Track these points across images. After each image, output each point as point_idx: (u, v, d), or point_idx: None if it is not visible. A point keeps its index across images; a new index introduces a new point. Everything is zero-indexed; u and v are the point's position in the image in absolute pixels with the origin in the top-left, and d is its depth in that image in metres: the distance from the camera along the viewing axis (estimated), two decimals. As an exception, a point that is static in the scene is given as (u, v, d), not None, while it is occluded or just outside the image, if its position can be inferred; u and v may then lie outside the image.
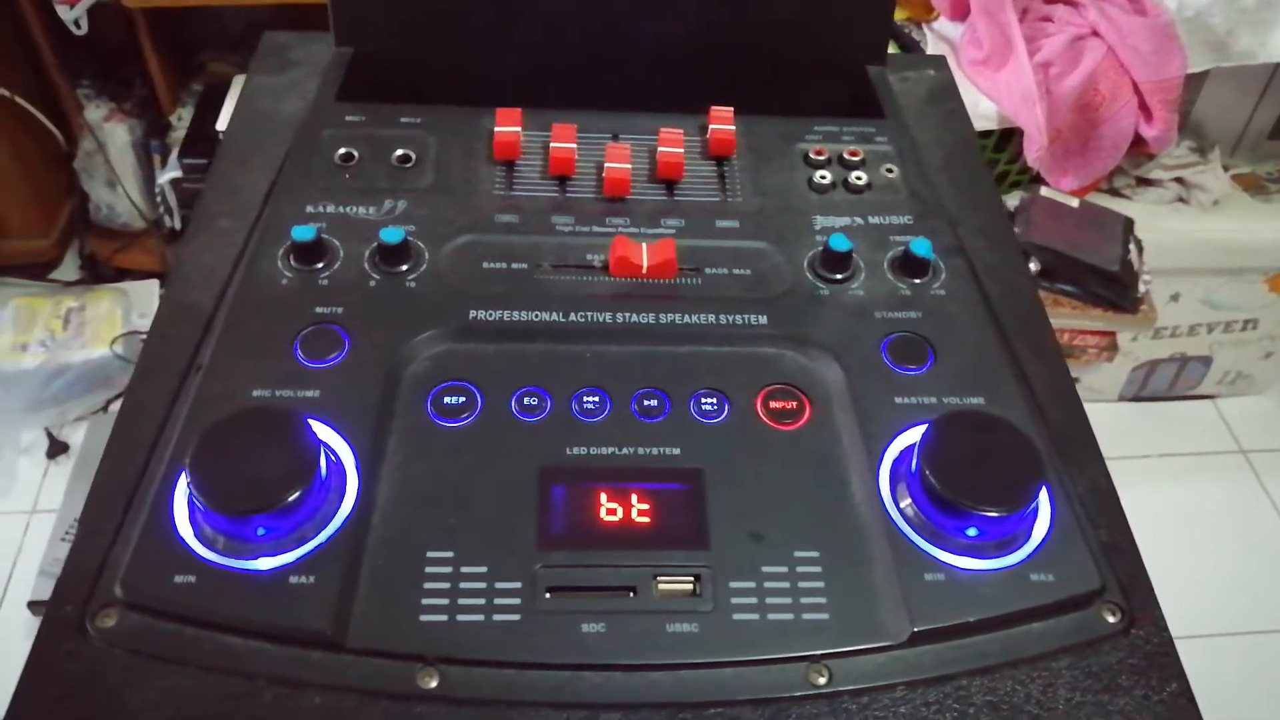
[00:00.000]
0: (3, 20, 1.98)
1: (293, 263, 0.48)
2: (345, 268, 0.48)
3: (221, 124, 1.87)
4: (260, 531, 0.39)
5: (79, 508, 1.30)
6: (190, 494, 0.40)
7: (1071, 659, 0.41)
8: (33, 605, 1.40)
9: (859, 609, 0.40)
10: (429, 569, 0.40)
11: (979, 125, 1.67)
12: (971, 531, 0.42)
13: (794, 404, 0.46)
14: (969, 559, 0.41)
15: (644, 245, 0.49)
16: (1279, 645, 1.79)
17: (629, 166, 0.52)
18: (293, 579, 0.39)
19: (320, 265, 0.48)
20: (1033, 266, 1.65)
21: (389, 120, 0.55)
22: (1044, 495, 0.43)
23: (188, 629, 0.38)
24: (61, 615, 0.39)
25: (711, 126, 0.55)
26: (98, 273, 2.23)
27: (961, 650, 0.40)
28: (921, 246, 0.50)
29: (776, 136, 0.56)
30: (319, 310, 0.47)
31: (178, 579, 0.38)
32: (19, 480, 1.92)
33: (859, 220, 0.53)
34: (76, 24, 1.86)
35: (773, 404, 0.46)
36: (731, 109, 0.55)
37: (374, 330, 0.46)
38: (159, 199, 2.03)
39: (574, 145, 0.53)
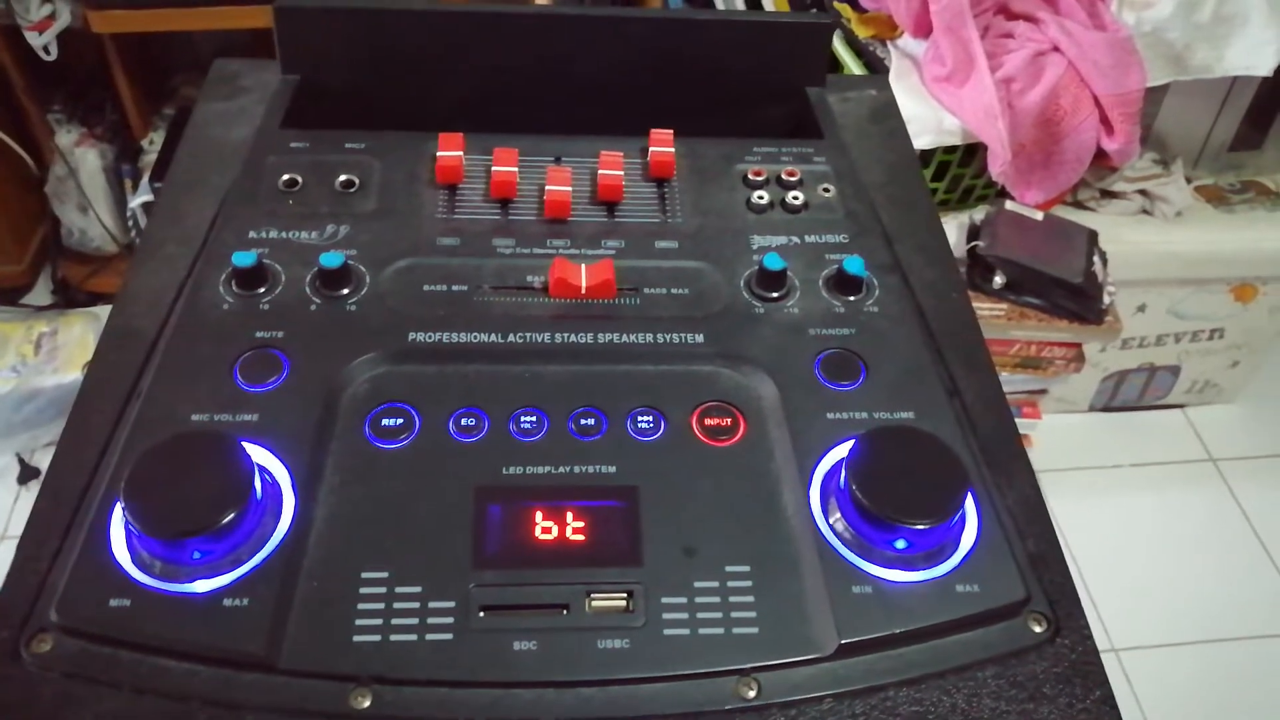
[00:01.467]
0: (-31, 44, 1.96)
1: (234, 288, 0.49)
2: (286, 292, 0.49)
3: (192, 147, 1.86)
4: (195, 555, 0.40)
5: None
6: (125, 518, 0.40)
7: (997, 669, 0.42)
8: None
9: (788, 622, 0.41)
10: (363, 589, 0.40)
11: (943, 141, 1.69)
12: (900, 544, 0.43)
13: (729, 420, 0.47)
14: (897, 571, 0.42)
15: (583, 266, 0.50)
16: (1249, 651, 1.80)
17: (570, 189, 0.53)
18: (227, 601, 0.39)
19: (261, 290, 0.49)
20: (998, 279, 1.67)
21: (333, 146, 0.56)
22: (971, 507, 0.44)
23: (123, 652, 0.39)
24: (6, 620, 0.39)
25: (652, 149, 0.56)
26: (70, 297, 2.23)
27: (888, 661, 0.41)
28: (854, 265, 0.51)
29: (716, 158, 0.57)
30: (259, 335, 0.47)
31: (113, 603, 0.39)
32: (-11, 505, 1.90)
33: (795, 239, 0.54)
34: (46, 50, 1.87)
35: (708, 420, 0.47)
36: (671, 131, 0.56)
37: (314, 353, 0.47)
38: (131, 223, 2.03)
39: (515, 169, 0.54)
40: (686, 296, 0.51)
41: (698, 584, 0.42)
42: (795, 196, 0.55)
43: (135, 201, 1.95)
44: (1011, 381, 1.75)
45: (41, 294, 2.24)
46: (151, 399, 0.45)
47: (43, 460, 1.94)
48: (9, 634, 0.39)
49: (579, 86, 0.59)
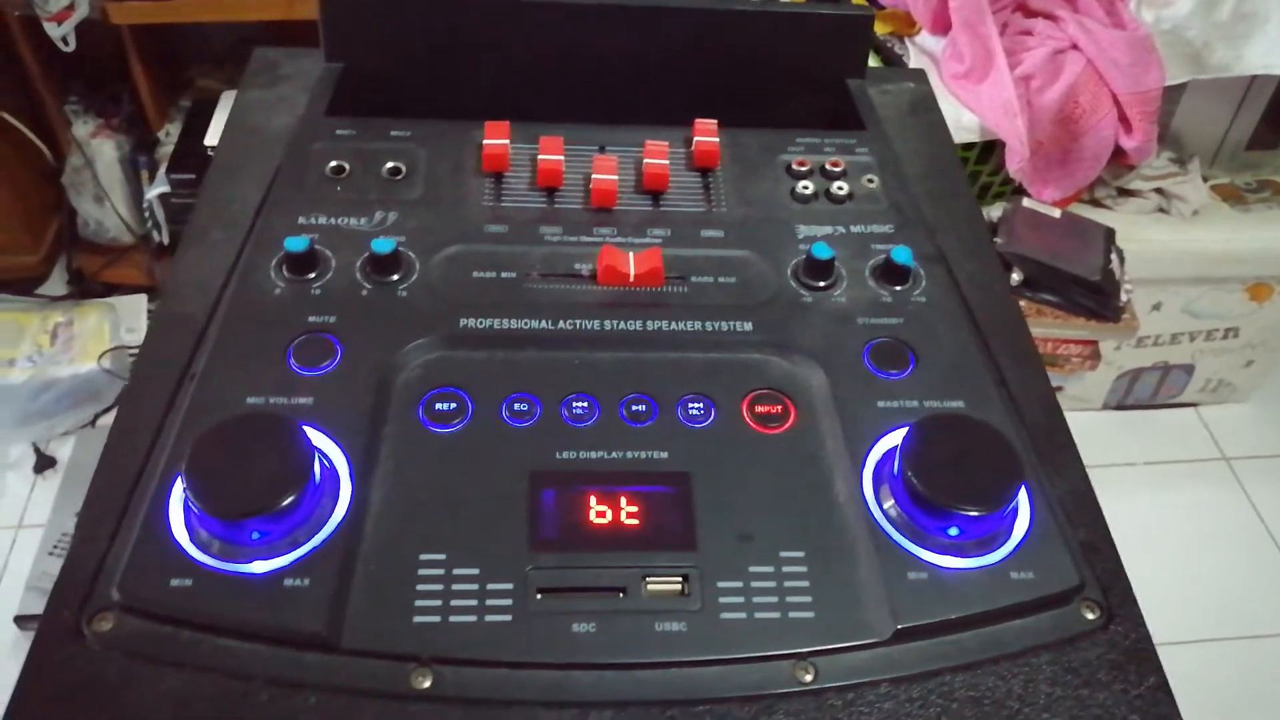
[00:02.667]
0: (-13, 34, 1.96)
1: (285, 273, 0.49)
2: (337, 278, 0.49)
3: (210, 139, 1.88)
4: (255, 535, 0.40)
5: (67, 522, 1.31)
6: (186, 499, 0.40)
7: (1052, 655, 0.42)
8: (20, 620, 1.39)
9: (844, 607, 0.41)
10: (422, 571, 0.41)
11: (961, 137, 1.68)
12: (953, 531, 0.43)
13: (779, 408, 0.47)
14: (951, 558, 0.42)
15: (630, 254, 0.50)
16: (1263, 650, 1.80)
17: (616, 178, 0.54)
18: (287, 582, 0.39)
19: (312, 275, 0.49)
20: (1015, 277, 1.67)
21: (379, 134, 0.56)
22: (1024, 496, 0.44)
23: (184, 632, 0.39)
24: (59, 620, 0.39)
25: (696, 139, 0.56)
26: (85, 288, 2.23)
27: (944, 647, 0.41)
28: (902, 254, 0.51)
29: (759, 148, 0.58)
30: (312, 319, 0.47)
31: (174, 582, 0.39)
32: (6, 495, 1.91)
33: (841, 229, 0.54)
34: (64, 40, 1.87)
35: (758, 408, 0.47)
36: (716, 121, 0.56)
37: (366, 338, 0.47)
38: (147, 214, 2.03)
39: (561, 157, 0.54)
40: (734, 285, 0.51)
41: (753, 569, 0.42)
42: (840, 187, 0.55)
43: (152, 193, 1.95)
44: (1027, 379, 1.75)
45: (57, 285, 2.24)
46: (206, 381, 0.45)
47: (59, 449, 1.95)
48: (70, 613, 0.39)
49: (620, 75, 0.59)
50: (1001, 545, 0.43)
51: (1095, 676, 0.41)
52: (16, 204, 2.09)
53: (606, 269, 0.50)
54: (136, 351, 2.07)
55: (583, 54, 0.59)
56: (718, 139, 0.56)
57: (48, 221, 2.22)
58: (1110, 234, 1.72)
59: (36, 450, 1.97)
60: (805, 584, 0.42)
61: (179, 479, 0.41)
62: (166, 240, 2.04)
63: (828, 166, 0.57)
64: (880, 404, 0.47)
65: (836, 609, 0.41)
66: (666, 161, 0.54)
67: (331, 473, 0.42)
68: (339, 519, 0.41)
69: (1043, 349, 1.72)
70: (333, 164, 0.54)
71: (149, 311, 2.15)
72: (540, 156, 0.54)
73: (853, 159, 0.57)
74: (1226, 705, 1.71)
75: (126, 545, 0.40)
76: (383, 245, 0.48)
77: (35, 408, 2.00)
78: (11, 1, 1.84)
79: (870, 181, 0.56)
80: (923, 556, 0.42)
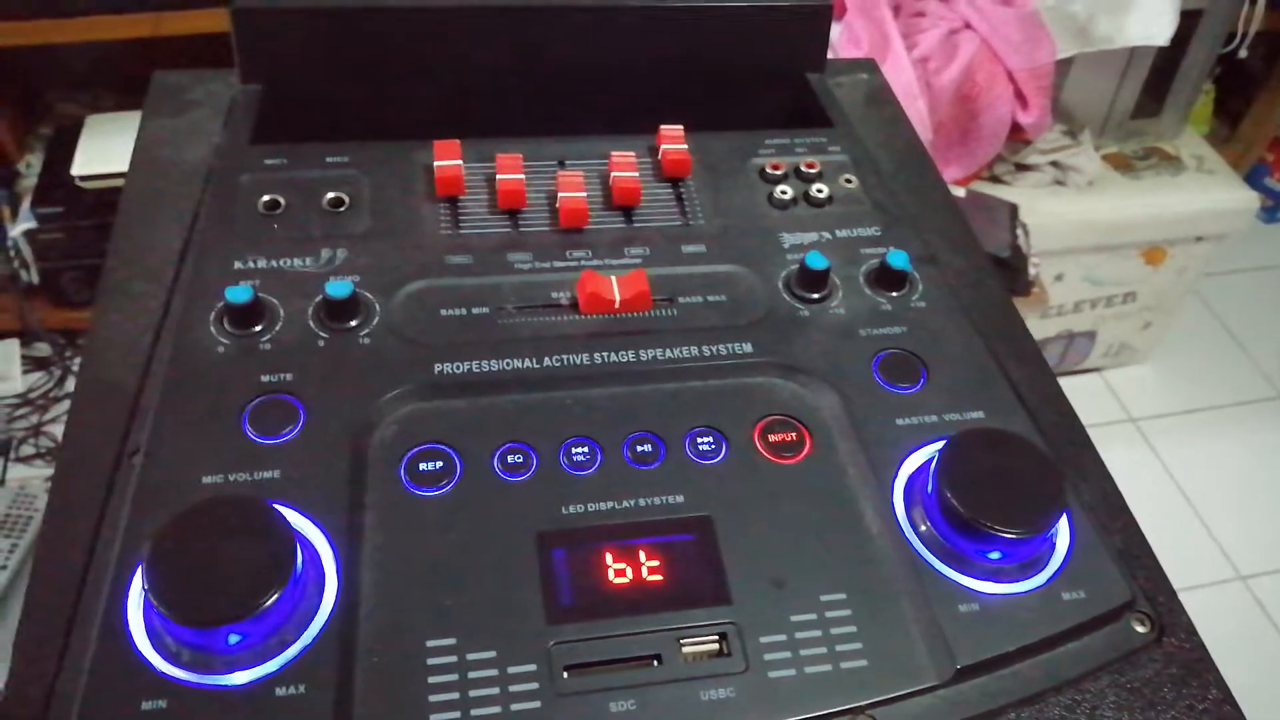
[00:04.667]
0: None
1: (227, 327, 0.43)
2: (288, 328, 0.43)
3: (78, 169, 1.76)
4: (233, 640, 0.34)
5: None
6: (149, 606, 0.34)
7: (1112, 677, 0.39)
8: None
9: (897, 650, 0.38)
10: (431, 660, 0.36)
11: (865, 123, 1.67)
12: (994, 555, 0.40)
13: (793, 435, 0.43)
14: (998, 584, 0.40)
15: (613, 278, 0.46)
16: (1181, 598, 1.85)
17: (584, 194, 0.49)
18: (279, 690, 0.34)
19: (259, 328, 0.43)
20: (928, 258, 1.67)
21: (313, 161, 0.50)
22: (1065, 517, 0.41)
23: (162, 762, 0.33)
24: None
25: (663, 147, 0.52)
26: (-49, 340, 2.06)
27: (1004, 681, 0.38)
28: (898, 258, 0.48)
29: (728, 152, 0.54)
30: (265, 379, 0.42)
31: (145, 705, 0.33)
32: None
33: (827, 235, 0.50)
34: None
35: (771, 437, 0.43)
36: (681, 128, 0.52)
37: (331, 395, 0.41)
38: (14, 252, 1.90)
39: (522, 176, 0.49)
40: (725, 303, 0.47)
41: (794, 618, 0.38)
42: (819, 189, 0.52)
43: (16, 230, 1.82)
44: (944, 358, 1.76)
45: (-85, 336, 2.06)
46: (153, 460, 0.39)
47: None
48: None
49: (572, 83, 0.55)
50: (1047, 565, 0.40)
51: (1159, 695, 0.39)
52: None
53: (590, 296, 0.45)
54: (11, 403, 1.93)
55: (531, 61, 0.55)
56: (686, 146, 0.52)
57: (-100, 265, 2.05)
58: (1014, 210, 1.74)
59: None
60: (852, 629, 0.38)
61: (135, 579, 0.35)
62: (36, 279, 1.91)
63: (802, 168, 0.53)
64: (899, 421, 0.44)
65: (890, 653, 0.38)
66: (636, 174, 0.50)
67: (313, 555, 0.37)
68: (329, 610, 0.36)
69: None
70: (265, 198, 0.48)
71: (22, 358, 2.01)
72: (499, 176, 0.49)
73: (826, 158, 0.54)
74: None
75: (82, 665, 0.34)
76: (338, 289, 0.43)
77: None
78: None
79: (849, 181, 0.53)
80: (970, 586, 0.39)
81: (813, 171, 0.53)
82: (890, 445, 0.43)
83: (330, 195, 0.49)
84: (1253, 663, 1.74)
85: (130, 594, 0.36)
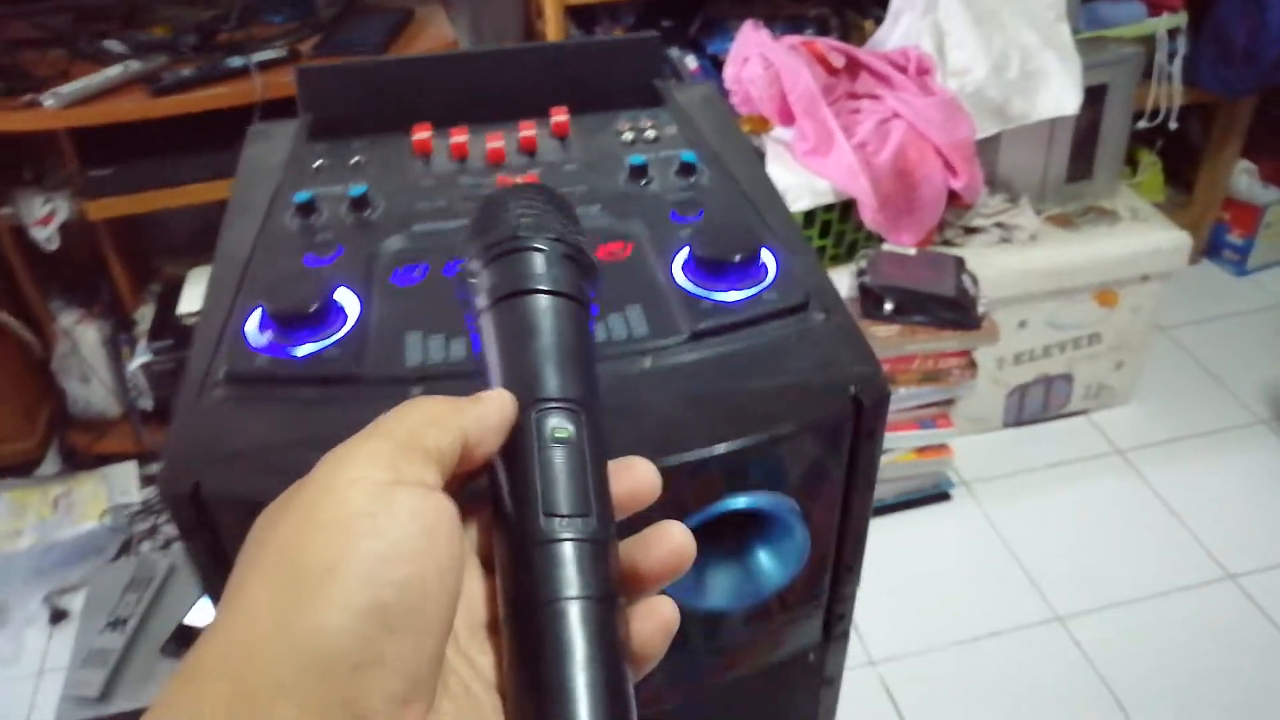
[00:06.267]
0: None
1: (296, 215, 0.77)
2: (331, 212, 0.77)
3: (183, 308, 2.15)
4: (303, 331, 0.66)
5: (83, 669, 1.58)
6: (263, 318, 0.66)
7: (796, 335, 0.68)
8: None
9: (669, 325, 0.67)
10: (406, 348, 0.67)
11: (819, 200, 2.02)
12: (724, 281, 0.70)
13: (621, 245, 0.74)
14: (727, 294, 0.69)
15: (516, 179, 0.79)
16: (1172, 603, 2.00)
17: (503, 144, 0.83)
18: (325, 354, 0.65)
19: (313, 216, 0.77)
20: (887, 306, 1.97)
21: (345, 144, 0.85)
22: (771, 259, 0.71)
23: (263, 386, 0.64)
24: (191, 386, 0.64)
25: (553, 119, 0.86)
26: (78, 464, 2.43)
27: (730, 342, 0.67)
28: (689, 155, 0.80)
29: (596, 122, 0.88)
30: (319, 238, 0.75)
31: (258, 361, 0.65)
32: (26, 647, 2.07)
33: (652, 155, 0.83)
34: (48, 240, 2.14)
35: (609, 246, 0.74)
36: (566, 108, 0.86)
37: (355, 241, 0.74)
38: (131, 384, 2.26)
39: (466, 139, 0.83)
40: (587, 190, 0.79)
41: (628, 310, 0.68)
42: (651, 134, 0.85)
43: (134, 364, 2.19)
44: (919, 395, 2.03)
45: (51, 466, 2.44)
46: (253, 274, 0.72)
47: (70, 601, 2.13)
48: (196, 391, 0.65)
49: (500, 92, 0.89)
50: (761, 284, 0.70)
51: (820, 336, 0.68)
52: (11, 395, 2.32)
53: (501, 185, 0.78)
54: (133, 509, 2.27)
55: (475, 81, 0.90)
56: (568, 118, 0.86)
57: (39, 408, 2.45)
58: (960, 261, 2.03)
59: (50, 606, 2.14)
60: (644, 319, 0.68)
61: (256, 310, 0.67)
62: (151, 406, 2.28)
63: (642, 124, 0.86)
64: (681, 235, 0.75)
65: (664, 326, 0.67)
66: (535, 133, 0.84)
67: (342, 304, 0.69)
68: (351, 325, 0.67)
69: (923, 366, 2.01)
70: (317, 162, 0.83)
71: (140, 477, 2.35)
72: (452, 139, 0.83)
73: (659, 120, 0.87)
74: (1160, 657, 1.90)
75: (225, 346, 0.66)
76: (356, 190, 0.77)
77: (46, 564, 2.17)
78: (1, 215, 2.13)
79: (670, 129, 0.86)
80: (711, 295, 0.69)
81: (648, 126, 0.86)
82: (674, 244, 0.74)
83: (355, 159, 0.83)
84: (1243, 654, 1.88)
85: (250, 318, 0.67)
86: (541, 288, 0.41)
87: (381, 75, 0.90)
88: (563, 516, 0.36)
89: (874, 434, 0.65)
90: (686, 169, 0.80)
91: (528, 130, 0.84)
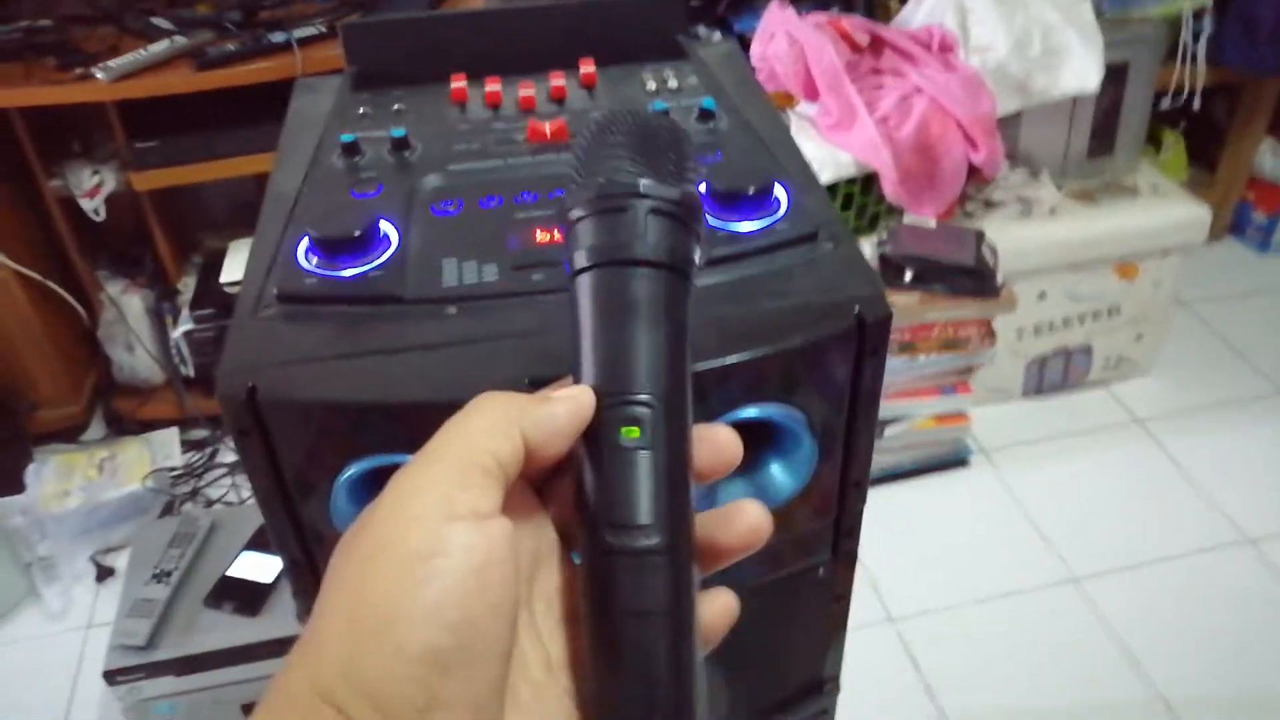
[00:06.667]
0: (30, 216, 2.36)
1: (342, 154, 0.83)
2: (374, 153, 0.83)
3: (225, 277, 2.23)
4: (347, 255, 0.72)
5: (130, 619, 1.67)
6: (310, 244, 0.72)
7: (805, 265, 0.73)
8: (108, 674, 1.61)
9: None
10: (444, 277, 0.72)
11: (842, 173, 2.06)
12: (740, 212, 0.75)
13: (642, 182, 0.79)
14: (744, 224, 0.74)
15: (546, 124, 0.84)
16: (1188, 565, 2.04)
17: (534, 93, 0.88)
18: (370, 275, 0.71)
19: (358, 157, 0.83)
20: (908, 275, 2.01)
21: (387, 93, 0.91)
22: (783, 193, 0.76)
23: (318, 306, 0.70)
24: (245, 305, 0.70)
25: (581, 70, 0.91)
26: (122, 429, 2.52)
27: (748, 266, 0.73)
28: (709, 102, 0.85)
29: (621, 73, 0.93)
30: (362, 176, 0.81)
31: (308, 282, 0.71)
32: (76, 603, 2.16)
33: (675, 104, 0.88)
34: (96, 212, 2.23)
35: (629, 184, 0.79)
36: (593, 59, 0.92)
37: (395, 179, 0.80)
38: (175, 351, 2.35)
39: (499, 88, 0.89)
40: (611, 134, 0.85)
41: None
42: (674, 84, 0.90)
43: (178, 331, 2.28)
44: (939, 362, 2.07)
45: (97, 430, 2.53)
46: (303, 205, 0.78)
47: (115, 560, 2.21)
48: (250, 309, 0.71)
49: (531, 46, 0.95)
50: (773, 216, 0.75)
51: (828, 263, 0.73)
52: (59, 361, 2.42)
53: (532, 131, 0.83)
54: (176, 473, 2.35)
55: (509, 36, 0.95)
56: (594, 70, 0.91)
57: (86, 374, 2.54)
58: (980, 234, 2.07)
59: (95, 563, 2.22)
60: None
61: (304, 238, 0.73)
62: (193, 373, 2.36)
63: (665, 75, 0.92)
64: (702, 170, 0.80)
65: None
66: (564, 83, 0.89)
67: (386, 233, 0.75)
68: (392, 250, 0.73)
69: (943, 334, 2.05)
70: (361, 109, 0.89)
71: (181, 442, 2.43)
72: (486, 89, 0.89)
73: (681, 73, 0.92)
74: (1174, 615, 1.94)
75: (277, 271, 0.72)
76: (398, 131, 0.82)
77: (92, 523, 2.26)
78: (51, 187, 2.21)
79: (691, 80, 0.91)
80: (726, 226, 0.74)
81: (671, 76, 0.91)
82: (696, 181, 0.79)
83: (396, 107, 0.89)
84: (1260, 616, 1.92)
85: (300, 245, 0.73)
86: (657, 259, 0.37)
87: (420, 30, 0.95)
88: (624, 528, 0.35)
89: (877, 351, 0.70)
90: (706, 115, 0.85)
91: (557, 80, 0.90)
